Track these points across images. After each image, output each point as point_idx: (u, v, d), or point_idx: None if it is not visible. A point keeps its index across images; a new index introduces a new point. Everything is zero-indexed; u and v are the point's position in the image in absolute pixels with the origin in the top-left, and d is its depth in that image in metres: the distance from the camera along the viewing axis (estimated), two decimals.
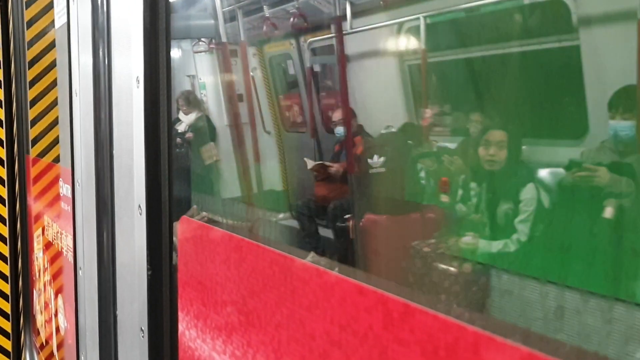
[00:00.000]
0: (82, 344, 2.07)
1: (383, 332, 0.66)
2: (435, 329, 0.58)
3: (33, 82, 3.49)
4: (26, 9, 3.49)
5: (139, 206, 1.41)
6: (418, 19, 4.12)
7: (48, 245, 3.01)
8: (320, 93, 5.59)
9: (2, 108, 3.96)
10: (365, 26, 4.52)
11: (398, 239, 3.44)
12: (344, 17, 4.56)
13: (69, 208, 2.28)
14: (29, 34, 3.48)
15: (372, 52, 4.65)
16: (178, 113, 6.05)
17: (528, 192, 2.98)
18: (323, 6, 4.98)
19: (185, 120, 6.10)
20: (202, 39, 6.16)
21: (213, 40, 6.07)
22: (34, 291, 3.60)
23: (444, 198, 3.47)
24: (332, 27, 4.88)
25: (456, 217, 3.34)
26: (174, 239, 1.35)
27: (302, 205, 4.86)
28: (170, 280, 1.37)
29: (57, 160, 2.91)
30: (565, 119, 3.31)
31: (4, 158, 3.99)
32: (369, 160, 4.00)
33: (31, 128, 3.50)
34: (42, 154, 3.33)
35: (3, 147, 3.98)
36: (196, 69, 6.57)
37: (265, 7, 5.44)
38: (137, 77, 1.39)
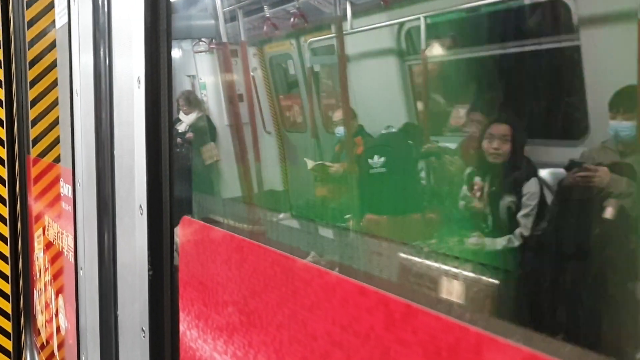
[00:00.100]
0: (82, 344, 2.07)
1: (384, 333, 0.66)
2: (437, 330, 0.58)
3: (34, 82, 3.49)
4: (27, 9, 3.49)
5: (140, 206, 1.41)
6: (418, 19, 4.12)
7: (49, 245, 3.02)
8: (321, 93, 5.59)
9: (2, 108, 3.96)
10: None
11: None
12: (345, 17, 4.57)
13: (70, 208, 2.28)
14: (30, 34, 3.48)
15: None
16: (178, 113, 6.05)
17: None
18: (323, 6, 4.98)
19: (186, 120, 6.10)
20: (203, 39, 6.17)
21: (213, 41, 6.07)
22: (35, 291, 3.60)
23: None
24: (333, 27, 4.88)
25: None
26: (175, 239, 1.35)
27: None
28: (171, 280, 1.37)
29: (57, 160, 2.91)
30: (565, 119, 3.31)
31: (5, 158, 3.99)
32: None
33: (32, 128, 3.50)
34: (42, 154, 3.33)
35: (4, 147, 3.98)
36: (196, 69, 6.58)
37: (265, 8, 5.45)
38: (139, 77, 1.40)
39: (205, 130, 6.13)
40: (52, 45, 3.04)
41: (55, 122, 3.08)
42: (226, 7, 5.61)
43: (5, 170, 3.99)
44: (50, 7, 2.90)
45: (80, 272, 2.05)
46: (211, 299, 1.12)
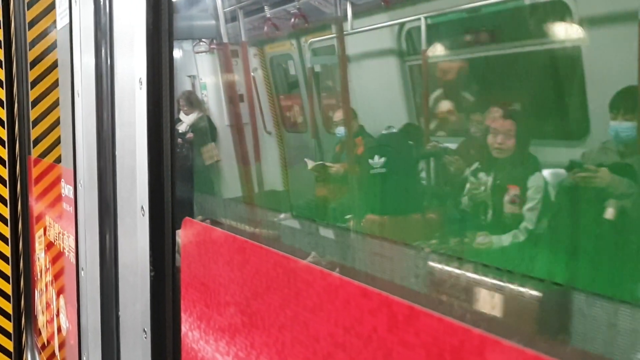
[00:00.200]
0: (84, 344, 2.07)
1: (387, 335, 0.67)
2: (441, 332, 0.59)
3: (35, 83, 3.49)
4: (28, 9, 3.49)
5: (142, 207, 1.41)
6: (419, 19, 4.12)
7: (49, 246, 3.02)
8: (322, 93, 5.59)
9: (3, 108, 3.96)
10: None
11: None
12: (345, 17, 4.57)
13: (71, 209, 2.28)
14: (31, 35, 3.48)
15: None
16: (179, 113, 6.05)
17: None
18: (324, 7, 4.98)
19: (186, 121, 6.10)
20: (203, 40, 6.17)
21: (214, 41, 6.07)
22: (36, 291, 3.60)
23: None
24: (333, 27, 4.88)
25: None
26: (177, 240, 1.35)
27: None
28: (173, 281, 1.37)
29: (58, 160, 2.91)
30: (565, 120, 3.31)
31: (6, 158, 3.99)
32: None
33: (33, 128, 3.50)
34: (43, 155, 3.33)
35: (4, 148, 3.99)
36: (197, 69, 6.58)
37: (266, 8, 5.45)
38: (140, 78, 1.40)
39: (206, 131, 6.13)
40: (53, 45, 3.04)
41: (56, 123, 3.08)
42: (227, 8, 5.61)
43: (6, 170, 3.99)
44: (52, 7, 2.90)
45: (82, 273, 2.05)
46: (213, 300, 1.12)
